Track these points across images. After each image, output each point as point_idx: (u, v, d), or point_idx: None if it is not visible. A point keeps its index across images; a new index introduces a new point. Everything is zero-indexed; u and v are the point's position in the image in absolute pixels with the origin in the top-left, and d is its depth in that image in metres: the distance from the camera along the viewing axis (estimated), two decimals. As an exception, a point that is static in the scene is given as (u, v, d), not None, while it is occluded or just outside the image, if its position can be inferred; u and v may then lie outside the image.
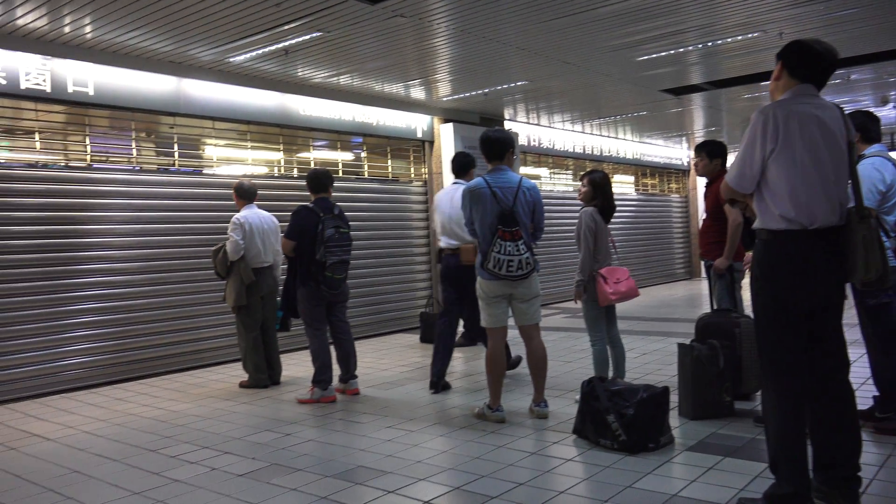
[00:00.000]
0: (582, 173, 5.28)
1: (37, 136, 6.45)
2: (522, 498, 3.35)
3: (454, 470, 3.81)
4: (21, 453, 4.50)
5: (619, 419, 3.96)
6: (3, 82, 5.99)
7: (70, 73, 6.39)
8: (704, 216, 5.30)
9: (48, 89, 6.26)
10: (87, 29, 5.87)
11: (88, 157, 6.81)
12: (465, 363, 7.06)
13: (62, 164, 6.59)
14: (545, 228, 4.88)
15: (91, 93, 6.52)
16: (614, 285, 4.87)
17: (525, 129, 11.70)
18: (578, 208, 5.17)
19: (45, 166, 6.45)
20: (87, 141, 6.82)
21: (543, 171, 12.68)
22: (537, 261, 4.66)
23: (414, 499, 3.41)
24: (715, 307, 5.09)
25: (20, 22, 5.61)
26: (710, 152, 5.23)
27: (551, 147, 12.45)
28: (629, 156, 14.71)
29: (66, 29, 5.85)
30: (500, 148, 4.71)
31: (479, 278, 4.66)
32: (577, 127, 12.64)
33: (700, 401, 4.52)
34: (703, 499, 3.24)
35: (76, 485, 3.85)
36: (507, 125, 11.12)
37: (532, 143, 11.95)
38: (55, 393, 6.25)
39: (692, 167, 16.56)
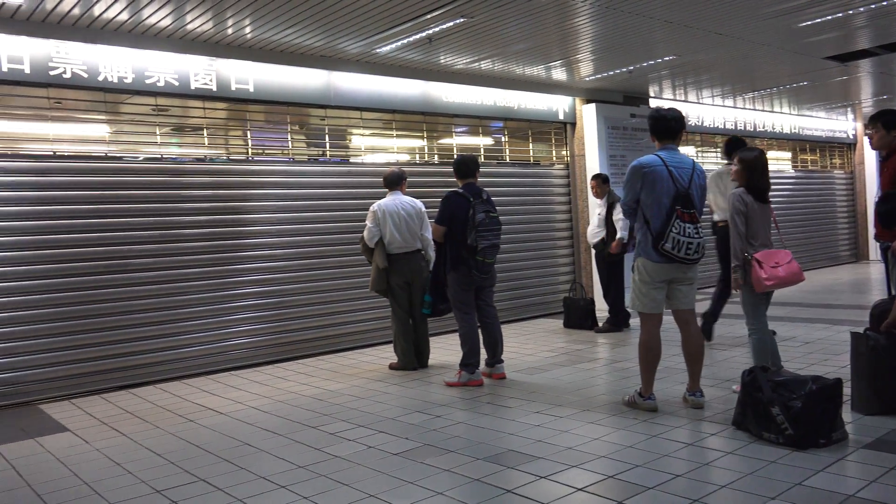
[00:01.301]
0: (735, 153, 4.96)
1: (204, 133, 6.96)
2: (681, 490, 3.24)
3: (606, 458, 3.74)
4: (198, 425, 4.91)
5: (784, 412, 3.73)
6: (176, 84, 6.51)
7: (233, 72, 6.83)
8: (879, 194, 4.85)
9: (214, 88, 6.73)
10: (248, 30, 6.24)
11: (249, 151, 7.27)
12: (612, 349, 6.91)
13: (225, 158, 7.07)
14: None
15: (251, 90, 6.94)
16: (771, 270, 4.51)
17: (669, 105, 11.20)
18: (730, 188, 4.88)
19: (211, 160, 6.94)
20: (249, 136, 7.28)
21: (689, 150, 12.12)
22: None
23: (567, 485, 3.38)
24: (893, 293, 4.66)
25: (189, 27, 6.06)
26: (887, 123, 4.76)
27: (699, 124, 11.86)
28: (786, 130, 13.73)
29: (230, 31, 6.25)
30: (676, 127, 4.55)
31: (644, 260, 4.48)
32: (728, 101, 11.95)
33: (877, 395, 4.16)
34: (885, 501, 2.98)
35: (247, 456, 4.15)
36: (653, 102, 10.71)
37: (679, 121, 11.42)
38: (223, 371, 6.76)
39: (861, 140, 15.22)
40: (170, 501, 3.49)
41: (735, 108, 12.45)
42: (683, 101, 11.40)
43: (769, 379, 3.89)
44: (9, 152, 5.89)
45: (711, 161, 12.48)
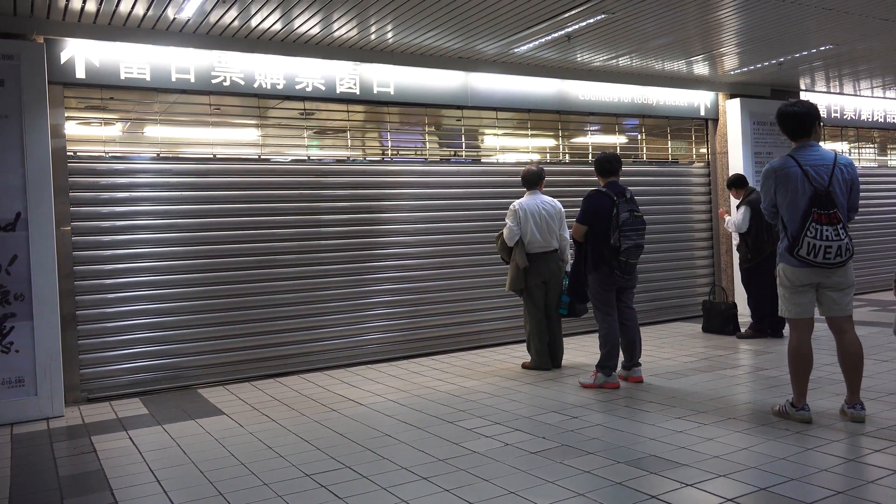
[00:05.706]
0: None
1: (347, 135, 7.25)
2: (843, 508, 3.04)
3: (757, 469, 3.57)
4: (340, 414, 5.12)
5: (963, 431, 3.41)
6: (323, 88, 6.83)
7: (375, 75, 7.08)
8: None
9: (357, 92, 7.00)
10: (389, 34, 6.44)
11: (389, 151, 7.49)
12: (756, 357, 6.57)
13: (362, 158, 7.33)
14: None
15: (392, 92, 7.17)
16: None
17: (823, 98, 10.50)
18: (889, 185, 4.52)
19: (352, 161, 7.22)
20: (388, 137, 7.51)
21: (843, 146, 11.28)
22: (854, 246, 4.18)
23: (716, 495, 3.25)
24: None
25: (336, 34, 6.34)
26: None
27: (855, 118, 11.02)
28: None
29: (373, 36, 6.48)
30: (805, 122, 4.28)
31: (784, 265, 4.30)
32: (890, 93, 11.03)
33: None
34: None
35: (388, 447, 4.28)
36: (803, 96, 10.07)
37: (833, 115, 10.69)
38: (360, 364, 7.00)
39: None
40: (319, 485, 3.67)
41: (897, 99, 11.49)
42: (838, 93, 10.64)
43: (944, 394, 3.57)
44: (174, 155, 6.40)
45: (868, 158, 11.57)
